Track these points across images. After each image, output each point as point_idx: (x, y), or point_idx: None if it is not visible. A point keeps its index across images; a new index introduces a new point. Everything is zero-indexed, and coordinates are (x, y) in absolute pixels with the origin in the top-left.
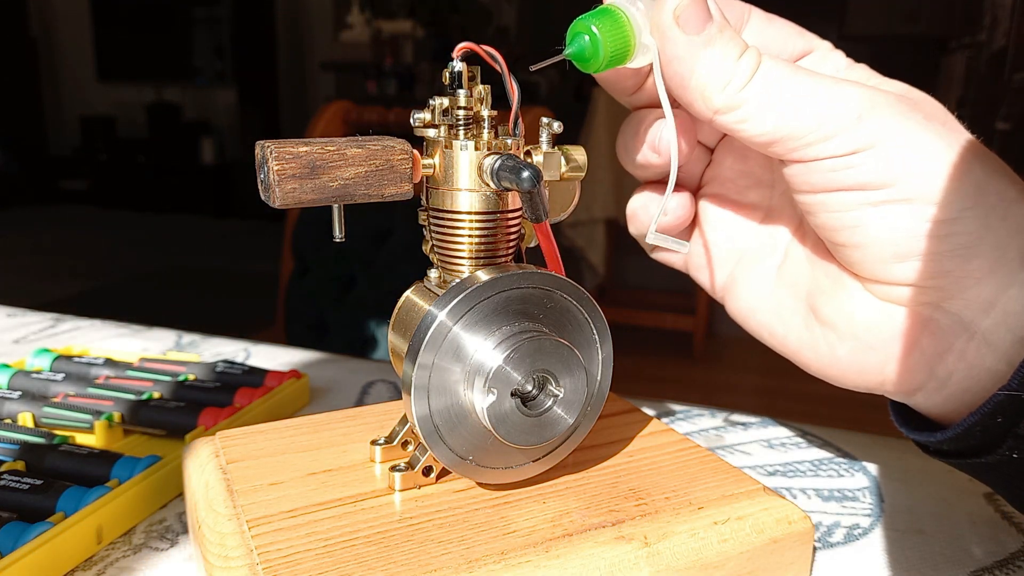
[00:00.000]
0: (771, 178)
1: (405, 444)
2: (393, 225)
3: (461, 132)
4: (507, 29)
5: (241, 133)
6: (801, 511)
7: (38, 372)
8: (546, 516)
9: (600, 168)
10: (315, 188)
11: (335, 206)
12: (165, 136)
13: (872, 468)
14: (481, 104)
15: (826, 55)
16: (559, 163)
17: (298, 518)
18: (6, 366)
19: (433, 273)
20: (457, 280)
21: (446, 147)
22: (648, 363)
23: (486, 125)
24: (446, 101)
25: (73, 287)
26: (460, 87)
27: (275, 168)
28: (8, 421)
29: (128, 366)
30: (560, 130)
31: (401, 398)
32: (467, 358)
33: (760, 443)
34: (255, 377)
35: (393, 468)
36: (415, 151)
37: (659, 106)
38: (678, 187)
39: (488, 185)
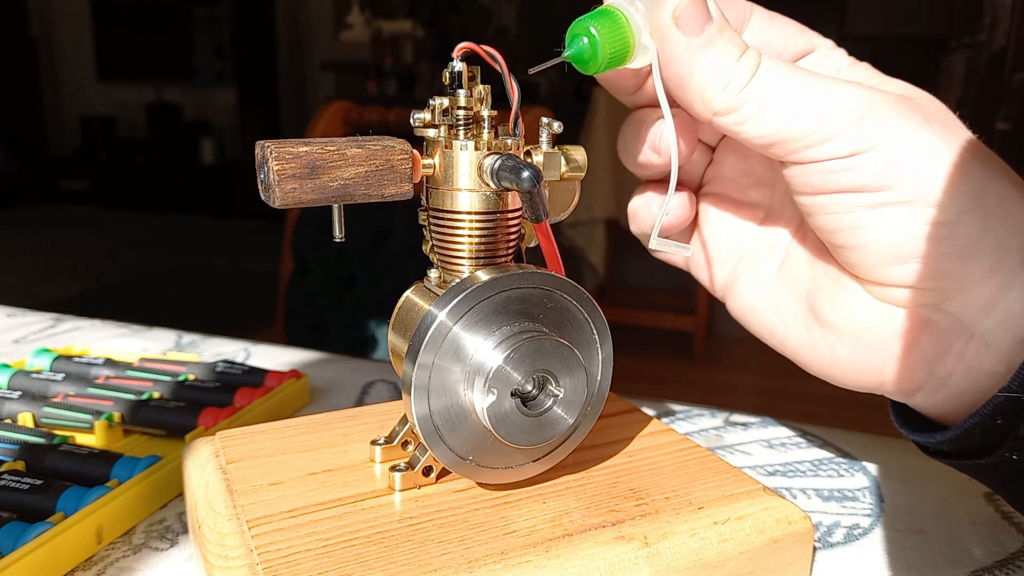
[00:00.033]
0: (772, 177)
1: (405, 444)
2: (393, 225)
3: (461, 132)
4: (507, 29)
5: (241, 133)
6: (801, 511)
7: (38, 372)
8: (546, 516)
9: (600, 168)
10: (315, 188)
11: (335, 206)
12: (165, 136)
13: (872, 468)
14: (481, 104)
15: (828, 54)
16: (559, 163)
17: (298, 518)
18: (6, 366)
19: (433, 273)
20: (457, 280)
21: (446, 147)
22: (648, 363)
23: (486, 125)
24: (446, 101)
25: (73, 287)
26: (460, 87)
27: (275, 168)
28: (8, 421)
29: (128, 366)
30: (560, 130)
31: (401, 398)
32: (467, 358)
33: (760, 443)
34: (255, 377)
35: (393, 468)
36: (415, 151)
37: (660, 105)
38: (679, 186)
39: (488, 185)
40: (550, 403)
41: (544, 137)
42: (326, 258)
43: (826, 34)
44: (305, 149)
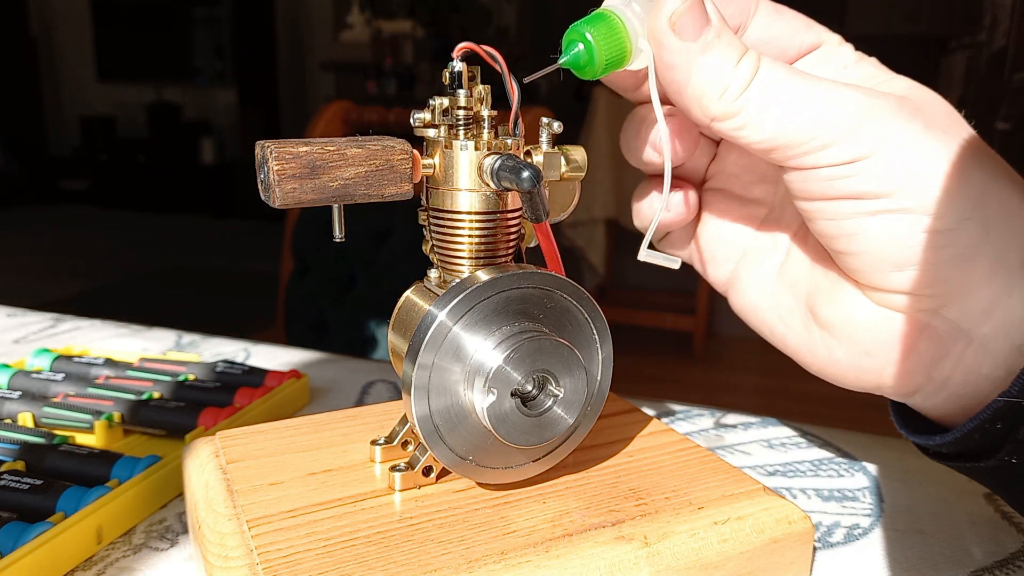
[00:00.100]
0: (775, 174)
1: (405, 444)
2: (393, 225)
3: (461, 132)
4: (507, 29)
5: (241, 133)
6: (801, 511)
7: (38, 372)
8: (546, 516)
9: (600, 168)
10: (315, 188)
11: (335, 206)
12: (165, 136)
13: (872, 468)
14: (481, 104)
15: (835, 49)
16: (559, 163)
17: (298, 518)
18: (6, 366)
19: (433, 273)
20: (457, 280)
21: (446, 147)
22: (648, 363)
23: (486, 125)
24: (446, 101)
25: (73, 287)
26: (460, 87)
27: (275, 168)
28: (8, 421)
29: (128, 366)
30: (560, 130)
31: (401, 398)
32: (467, 358)
33: (760, 443)
34: (255, 377)
35: (393, 468)
36: (415, 151)
37: (662, 101)
38: (681, 183)
39: (488, 185)
40: (550, 403)
41: (544, 137)
42: (326, 258)
43: None
44: (305, 149)
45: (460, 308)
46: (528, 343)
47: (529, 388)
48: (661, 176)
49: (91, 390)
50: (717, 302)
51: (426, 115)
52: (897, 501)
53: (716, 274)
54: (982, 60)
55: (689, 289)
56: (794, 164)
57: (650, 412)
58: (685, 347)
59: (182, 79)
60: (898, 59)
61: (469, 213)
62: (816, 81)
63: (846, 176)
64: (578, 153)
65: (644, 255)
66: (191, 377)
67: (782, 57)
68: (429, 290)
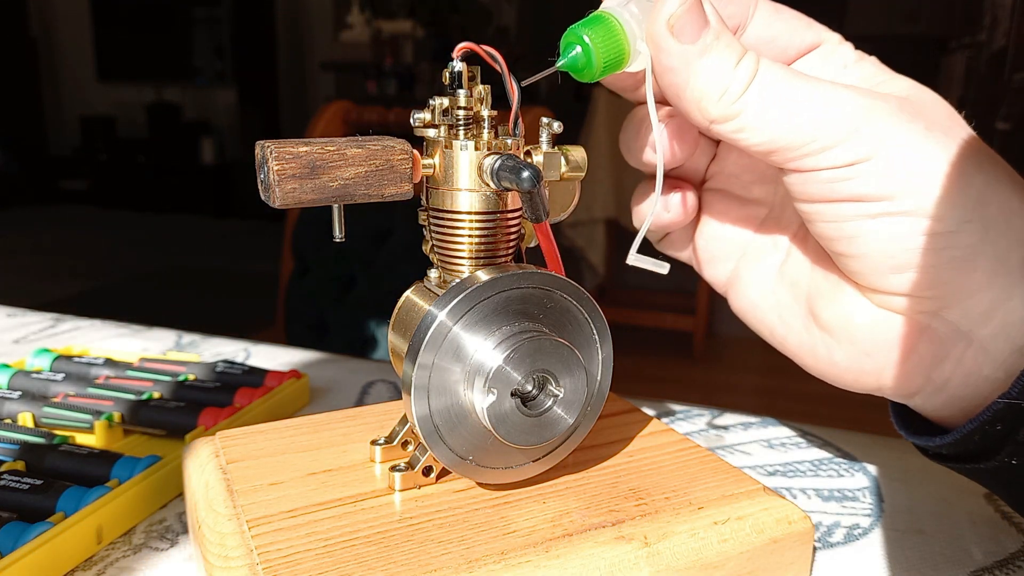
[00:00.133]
0: (775, 175)
1: (405, 444)
2: (393, 225)
3: (461, 132)
4: (507, 29)
5: (241, 133)
6: (801, 511)
7: (38, 372)
8: (546, 516)
9: (600, 168)
10: (315, 188)
11: (335, 206)
12: (165, 136)
13: (872, 468)
14: (481, 104)
15: (835, 48)
16: (559, 163)
17: (298, 518)
18: (6, 366)
19: (433, 273)
20: (457, 280)
21: (446, 147)
22: (648, 363)
23: (486, 125)
24: (446, 101)
25: (73, 287)
26: (460, 87)
27: (275, 168)
28: (8, 421)
29: (128, 366)
30: (560, 130)
31: (401, 398)
32: (467, 358)
33: (760, 443)
34: (255, 377)
35: (393, 468)
36: (415, 151)
37: (661, 102)
38: (680, 183)
39: (488, 185)
40: (550, 403)
41: (544, 137)
42: (326, 258)
43: None
44: (305, 149)
45: (460, 308)
46: (528, 343)
47: (529, 388)
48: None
49: (91, 390)
50: (717, 302)
51: (426, 115)
52: (897, 501)
53: (716, 274)
54: (982, 60)
55: (689, 289)
56: (794, 166)
57: (650, 412)
58: (685, 347)
59: (182, 79)
60: (898, 59)
61: (469, 213)
62: (816, 83)
63: (846, 178)
64: (578, 153)
65: (632, 259)
66: (191, 377)
67: (782, 57)
68: (429, 290)
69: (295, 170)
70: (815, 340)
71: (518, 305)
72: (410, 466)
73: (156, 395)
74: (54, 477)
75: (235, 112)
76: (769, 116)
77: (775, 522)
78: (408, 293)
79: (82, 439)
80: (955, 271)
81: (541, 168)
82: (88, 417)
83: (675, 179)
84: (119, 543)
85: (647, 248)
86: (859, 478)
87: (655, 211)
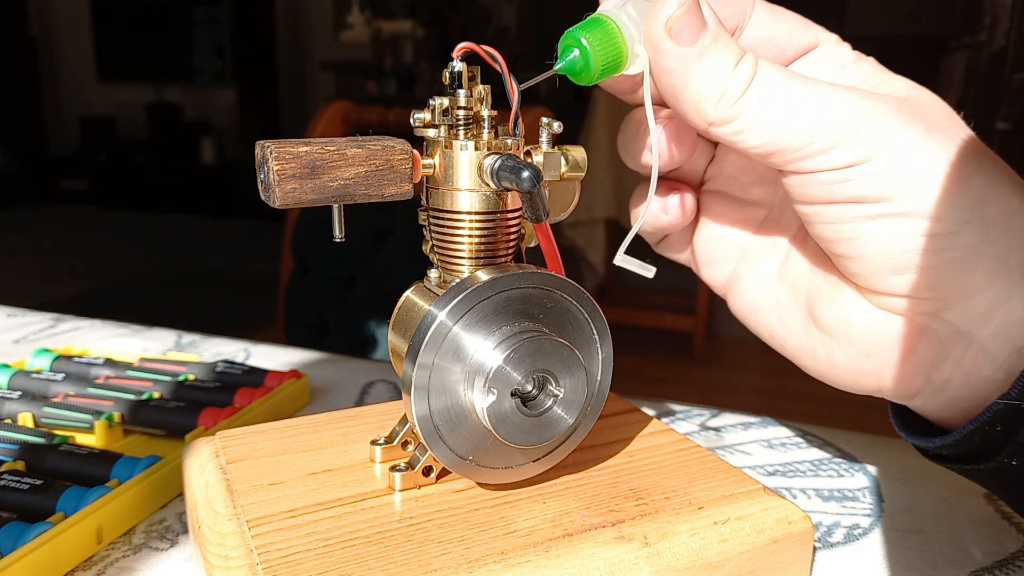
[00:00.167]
0: (774, 176)
1: (405, 444)
2: (393, 225)
3: (461, 132)
4: (507, 29)
5: (241, 133)
6: (801, 511)
7: (38, 372)
8: (546, 516)
9: (600, 168)
10: (315, 188)
11: (335, 206)
12: (165, 136)
13: (872, 468)
14: (481, 104)
15: (832, 49)
16: (559, 163)
17: (298, 518)
18: (6, 366)
19: (433, 273)
20: (457, 280)
21: (446, 147)
22: (648, 363)
23: (486, 125)
24: (446, 101)
25: (73, 287)
26: (460, 87)
27: (275, 168)
28: (8, 421)
29: (128, 366)
30: (560, 130)
31: (401, 398)
32: (467, 358)
33: (760, 443)
34: (255, 377)
35: (393, 468)
36: (415, 151)
37: (660, 104)
38: (678, 185)
39: (488, 185)
40: (550, 403)
41: (544, 137)
42: (326, 258)
43: None
44: (305, 149)
45: (460, 308)
46: (528, 343)
47: (529, 388)
48: (660, 179)
49: (91, 390)
50: (717, 302)
51: (426, 115)
52: (897, 501)
53: (715, 276)
54: (982, 60)
55: (689, 289)
56: (793, 168)
57: (650, 412)
58: (685, 347)
59: (182, 79)
60: (898, 59)
61: (469, 213)
62: (814, 84)
63: (845, 180)
64: (578, 153)
65: (620, 260)
66: (191, 377)
67: (780, 58)
68: (429, 290)
69: (295, 170)
70: (815, 341)
71: (518, 305)
72: (410, 466)
73: (156, 395)
74: (54, 477)
75: (235, 112)
76: (768, 118)
77: (775, 522)
78: (408, 293)
79: (82, 439)
80: (955, 272)
81: (541, 168)
82: (88, 417)
83: (673, 181)
84: (119, 543)
85: (644, 250)
86: (859, 478)
87: (646, 213)
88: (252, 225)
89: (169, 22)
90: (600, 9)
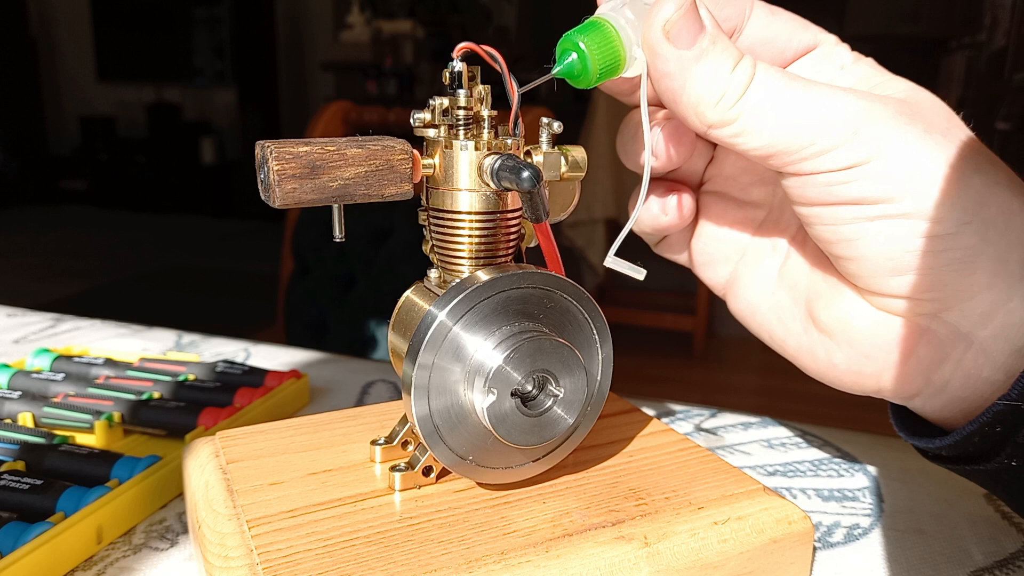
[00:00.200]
0: (774, 177)
1: (405, 444)
2: (393, 225)
3: (461, 132)
4: (507, 29)
5: (241, 133)
6: (801, 511)
7: (38, 372)
8: (546, 516)
9: (600, 168)
10: (315, 188)
11: (335, 206)
12: (165, 136)
13: (872, 468)
14: (481, 104)
15: (831, 50)
16: (559, 163)
17: (298, 518)
18: (6, 366)
19: (433, 273)
20: (457, 280)
21: (446, 147)
22: (648, 363)
23: (486, 125)
24: (446, 101)
25: (73, 287)
26: (460, 87)
27: (275, 168)
28: (8, 421)
29: (128, 366)
30: (560, 130)
31: (401, 398)
32: (467, 358)
33: (760, 443)
34: (255, 377)
35: (393, 468)
36: (415, 151)
37: (658, 105)
38: (677, 186)
39: (488, 185)
40: (550, 403)
41: (544, 137)
42: (326, 258)
43: None
44: (305, 149)
45: (460, 308)
46: (528, 343)
47: (529, 388)
48: (659, 179)
49: (91, 390)
50: (717, 302)
51: (426, 115)
52: (897, 501)
53: (714, 277)
54: (982, 60)
55: (689, 289)
56: (792, 170)
57: (650, 412)
58: (685, 347)
59: (182, 79)
60: (898, 59)
61: (469, 213)
62: (813, 85)
63: (845, 181)
64: (578, 153)
65: (609, 261)
66: (191, 377)
67: (779, 59)
68: (429, 290)
69: (295, 170)
70: (814, 342)
71: (518, 305)
72: (410, 466)
73: (156, 395)
74: (54, 477)
75: (235, 112)
76: (767, 120)
77: (775, 522)
78: (408, 293)
79: (82, 439)
80: (955, 273)
81: (541, 168)
82: (88, 417)
83: (672, 182)
84: (119, 543)
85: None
86: (859, 478)
87: (636, 215)
88: (252, 225)
89: (169, 22)
90: (598, 12)
